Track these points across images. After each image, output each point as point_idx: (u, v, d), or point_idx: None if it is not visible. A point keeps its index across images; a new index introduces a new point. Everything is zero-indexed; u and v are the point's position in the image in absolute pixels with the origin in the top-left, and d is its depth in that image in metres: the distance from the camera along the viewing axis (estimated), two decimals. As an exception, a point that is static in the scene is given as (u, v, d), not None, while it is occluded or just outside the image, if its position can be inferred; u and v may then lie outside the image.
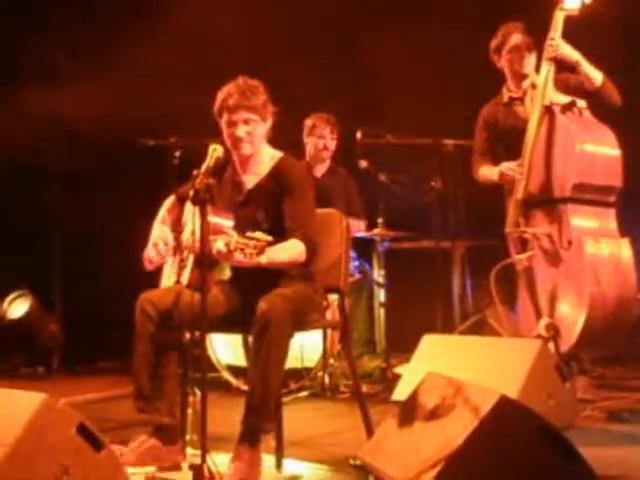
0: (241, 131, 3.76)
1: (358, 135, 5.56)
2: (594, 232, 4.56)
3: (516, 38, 4.90)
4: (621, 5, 5.12)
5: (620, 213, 4.68)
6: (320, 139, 5.90)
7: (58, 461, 2.92)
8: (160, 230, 3.88)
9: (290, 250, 3.65)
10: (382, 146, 5.65)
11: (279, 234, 3.57)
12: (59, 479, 2.92)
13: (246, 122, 3.75)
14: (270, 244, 3.27)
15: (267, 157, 3.89)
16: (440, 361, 4.23)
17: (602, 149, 4.59)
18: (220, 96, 3.79)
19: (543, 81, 4.68)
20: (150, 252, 3.78)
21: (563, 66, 4.74)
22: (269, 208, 3.78)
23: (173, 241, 3.80)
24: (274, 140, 3.94)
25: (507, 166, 4.80)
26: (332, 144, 5.92)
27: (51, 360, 6.79)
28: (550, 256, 4.61)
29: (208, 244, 3.28)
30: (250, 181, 3.89)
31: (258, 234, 3.27)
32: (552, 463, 2.74)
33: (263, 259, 3.34)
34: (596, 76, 4.70)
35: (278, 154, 3.92)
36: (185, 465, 3.60)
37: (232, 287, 3.84)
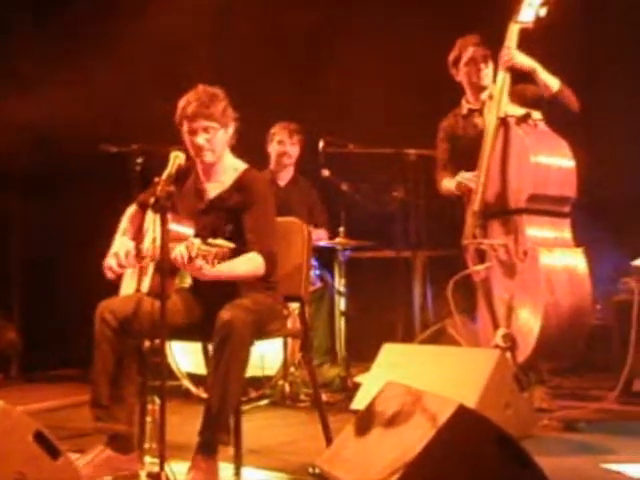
0: (201, 139, 3.76)
1: (320, 144, 5.57)
2: (549, 242, 4.59)
3: (472, 51, 4.96)
4: (577, 17, 5.21)
5: (575, 223, 4.72)
6: (280, 145, 5.93)
7: (14, 469, 2.90)
8: (121, 240, 3.86)
9: (248, 263, 3.66)
10: (345, 155, 5.67)
11: (240, 243, 3.58)
12: (15, 487, 2.90)
13: (205, 130, 3.76)
14: (232, 251, 3.28)
15: (230, 167, 3.89)
16: (399, 370, 4.25)
17: (556, 160, 4.63)
18: (180, 105, 3.80)
19: (499, 91, 4.73)
20: (110, 261, 3.76)
21: (519, 75, 4.79)
22: (230, 218, 3.78)
23: (134, 250, 3.79)
24: (239, 149, 3.95)
25: (463, 176, 4.85)
26: (292, 150, 5.95)
27: (9, 367, 6.73)
28: (507, 267, 4.65)
29: (168, 251, 3.29)
30: (212, 190, 3.89)
31: (220, 241, 3.28)
32: (509, 472, 2.76)
33: (223, 267, 3.36)
34: (552, 83, 4.76)
35: (242, 166, 3.92)
36: (143, 474, 3.57)
37: (192, 295, 3.84)
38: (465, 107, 5.09)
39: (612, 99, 6.08)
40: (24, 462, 2.93)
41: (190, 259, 3.30)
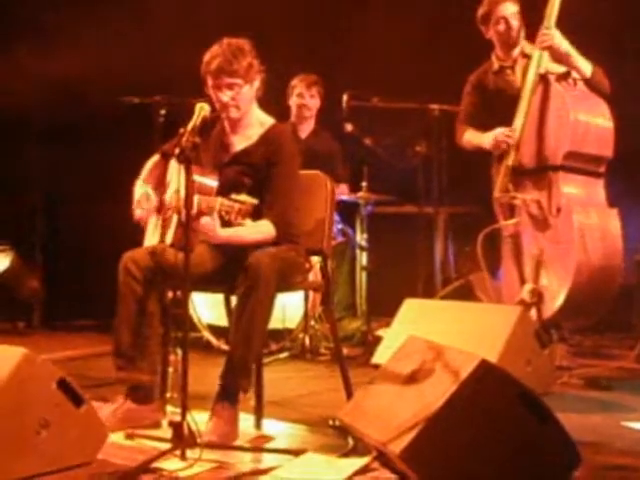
0: (226, 96, 3.73)
1: (344, 98, 5.53)
2: (583, 201, 4.60)
3: (504, 8, 4.87)
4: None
5: (609, 184, 4.70)
6: (299, 97, 5.92)
7: (38, 415, 2.93)
8: (141, 189, 3.86)
9: (258, 232, 3.64)
10: (368, 109, 5.63)
11: (262, 198, 3.57)
12: (39, 433, 2.92)
13: (229, 87, 3.71)
14: (255, 208, 3.26)
15: (257, 122, 3.85)
16: (421, 325, 4.25)
17: (596, 119, 4.63)
18: (204, 59, 3.74)
19: (537, 60, 4.67)
20: (136, 211, 3.78)
21: (553, 56, 4.73)
22: (253, 173, 3.76)
23: (156, 199, 3.79)
24: (263, 102, 3.91)
25: (501, 132, 4.77)
26: (311, 102, 5.93)
27: (32, 316, 6.78)
28: (538, 223, 4.64)
29: (192, 203, 3.28)
30: (238, 143, 3.86)
31: (243, 197, 3.27)
32: (530, 428, 2.75)
33: (232, 234, 3.45)
34: (586, 68, 4.70)
35: (269, 120, 3.88)
36: (165, 422, 3.60)
37: (217, 247, 3.82)
38: (496, 63, 5.02)
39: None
40: (48, 409, 2.95)
41: (200, 213, 3.29)
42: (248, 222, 3.39)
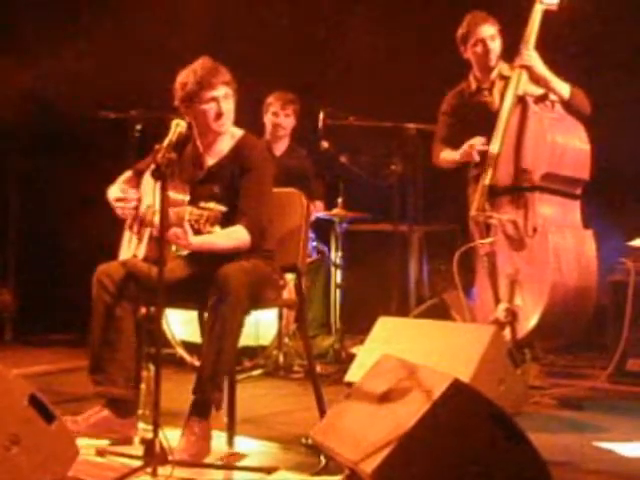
0: (225, 106, 3.76)
1: (320, 116, 5.55)
2: (559, 222, 4.64)
3: (482, 30, 4.90)
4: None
5: (584, 205, 4.74)
6: (274, 116, 5.89)
7: (8, 431, 2.90)
8: (116, 187, 3.90)
9: (231, 237, 3.64)
10: (344, 127, 5.65)
11: (232, 206, 3.59)
12: (9, 449, 2.90)
13: (226, 97, 3.76)
14: (224, 215, 3.28)
15: (228, 135, 3.88)
16: (395, 343, 4.25)
17: (573, 141, 4.69)
18: (185, 79, 3.75)
19: (515, 80, 4.72)
20: (117, 210, 3.84)
21: (532, 78, 4.77)
22: (227, 186, 3.77)
23: (130, 217, 3.80)
24: (240, 120, 3.92)
25: (473, 142, 4.79)
26: (286, 122, 5.90)
27: (4, 330, 6.73)
28: (513, 242, 4.67)
29: (168, 219, 3.28)
30: (211, 158, 3.88)
31: (212, 204, 3.31)
32: (502, 447, 2.76)
33: (204, 240, 3.45)
34: (564, 91, 4.75)
35: (239, 132, 3.91)
36: (137, 439, 3.59)
37: (189, 262, 3.82)
38: (474, 83, 5.05)
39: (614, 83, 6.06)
40: (18, 425, 2.92)
41: (170, 225, 3.34)
42: (218, 230, 3.39)
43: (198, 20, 6.54)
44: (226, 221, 3.45)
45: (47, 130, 6.50)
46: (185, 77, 3.76)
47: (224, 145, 3.87)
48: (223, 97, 3.74)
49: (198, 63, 3.76)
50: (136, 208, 3.84)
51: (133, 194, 3.85)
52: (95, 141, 6.27)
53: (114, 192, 3.88)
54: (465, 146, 4.85)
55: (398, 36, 6.43)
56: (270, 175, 3.86)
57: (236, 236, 3.66)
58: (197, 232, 3.41)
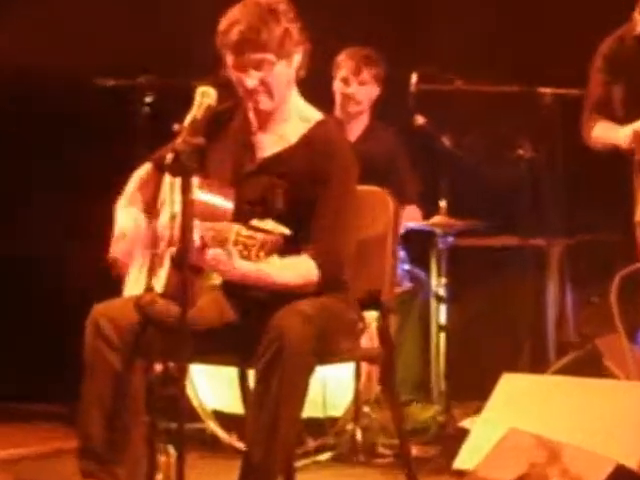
0: (251, 80, 3.74)
1: (413, 79, 5.57)
2: None
3: None
4: None
5: None
6: (343, 84, 5.93)
7: None
8: (127, 215, 3.89)
9: (292, 272, 3.64)
10: (448, 95, 5.66)
11: (298, 226, 3.57)
12: None
13: (258, 66, 3.73)
14: (286, 240, 3.30)
15: (296, 116, 3.89)
16: (526, 412, 4.24)
17: None
18: (221, 26, 3.76)
19: None
20: (115, 249, 3.79)
21: None
22: (289, 190, 3.77)
23: (146, 226, 3.82)
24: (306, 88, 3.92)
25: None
26: (361, 92, 5.94)
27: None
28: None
29: (192, 234, 3.31)
30: (268, 146, 3.89)
31: (270, 224, 3.29)
32: None
33: (252, 270, 3.46)
34: None
35: (314, 115, 3.90)
36: None
37: (226, 298, 3.86)
38: (639, 27, 5.04)
39: None
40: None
41: (206, 246, 3.34)
42: (275, 260, 3.40)
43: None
44: (289, 249, 3.44)
45: (18, 114, 6.59)
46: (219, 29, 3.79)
47: (290, 129, 3.87)
48: (253, 66, 3.71)
49: (234, 9, 3.77)
50: (151, 219, 3.86)
51: (136, 232, 3.83)
52: (88, 123, 6.33)
53: (120, 219, 3.88)
54: (628, 133, 4.83)
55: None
56: (354, 186, 3.85)
57: (300, 271, 3.66)
58: (246, 260, 3.40)
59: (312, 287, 3.68)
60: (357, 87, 5.93)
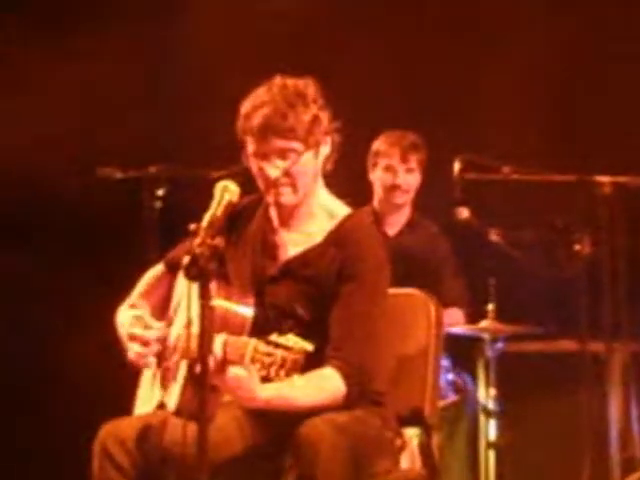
0: (274, 170, 3.74)
1: (456, 167, 5.56)
2: None
3: None
4: None
5: None
6: (389, 174, 5.95)
7: None
8: (126, 314, 3.90)
9: (320, 389, 3.62)
10: (495, 185, 5.66)
11: (325, 336, 3.59)
12: None
13: (282, 154, 3.74)
14: (309, 357, 3.27)
15: (323, 211, 3.89)
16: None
17: None
18: (243, 109, 3.78)
19: None
20: (130, 351, 3.77)
21: None
22: (315, 296, 3.76)
23: (156, 340, 3.80)
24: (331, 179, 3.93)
25: None
26: (410, 180, 5.98)
27: None
28: None
29: (211, 346, 3.29)
30: (291, 244, 3.89)
31: (291, 339, 3.26)
32: None
33: (273, 392, 3.44)
34: None
35: (341, 210, 3.91)
36: None
37: (248, 415, 3.81)
38: None
39: None
40: None
41: (227, 361, 3.31)
42: (296, 379, 3.37)
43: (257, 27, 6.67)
44: (312, 358, 3.41)
45: (19, 208, 6.62)
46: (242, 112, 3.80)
47: (316, 226, 3.88)
48: (277, 154, 3.73)
49: (259, 91, 3.78)
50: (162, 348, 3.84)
51: (157, 330, 3.82)
52: (92, 219, 6.35)
53: (126, 319, 3.89)
54: None
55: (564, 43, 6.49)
56: (385, 286, 3.84)
57: (325, 387, 3.64)
58: (264, 380, 3.39)
59: (340, 402, 3.65)
60: (405, 176, 5.94)
